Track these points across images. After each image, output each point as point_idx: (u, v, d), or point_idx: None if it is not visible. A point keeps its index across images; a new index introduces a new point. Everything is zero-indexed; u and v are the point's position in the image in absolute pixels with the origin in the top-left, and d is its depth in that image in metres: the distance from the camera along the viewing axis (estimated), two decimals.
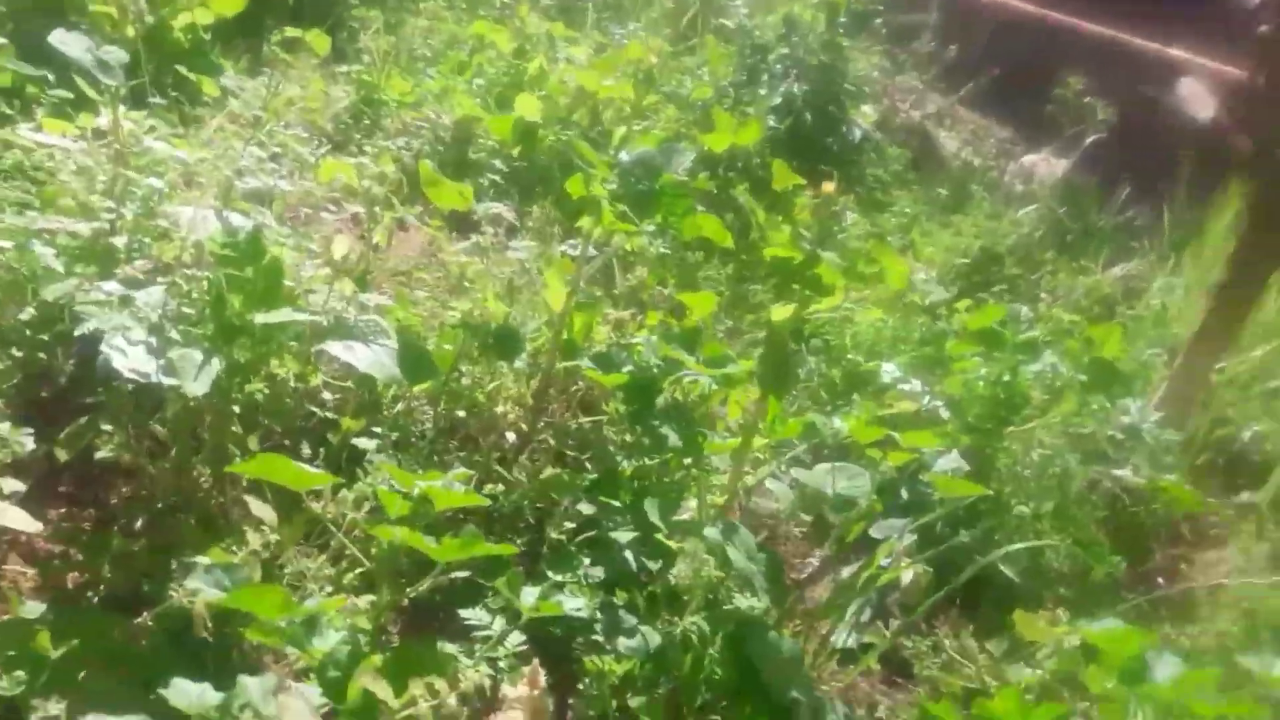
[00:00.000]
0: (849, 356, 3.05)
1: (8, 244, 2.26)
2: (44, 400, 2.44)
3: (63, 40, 2.33)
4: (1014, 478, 2.86)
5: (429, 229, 3.49)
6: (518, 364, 2.59)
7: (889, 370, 2.85)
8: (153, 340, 2.01)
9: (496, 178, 4.20)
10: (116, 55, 2.45)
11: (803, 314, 2.12)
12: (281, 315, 2.11)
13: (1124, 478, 2.98)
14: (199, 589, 1.47)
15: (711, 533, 1.90)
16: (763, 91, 5.47)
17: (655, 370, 2.39)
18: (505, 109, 4.69)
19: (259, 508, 1.86)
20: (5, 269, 2.21)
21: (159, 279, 2.20)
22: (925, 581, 2.13)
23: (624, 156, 2.59)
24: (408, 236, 3.66)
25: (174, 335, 2.05)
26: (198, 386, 1.96)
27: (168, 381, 1.88)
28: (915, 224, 4.97)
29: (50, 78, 3.22)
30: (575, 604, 1.81)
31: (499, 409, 2.64)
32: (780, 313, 2.10)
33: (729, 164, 4.57)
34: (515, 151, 4.59)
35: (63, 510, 2.38)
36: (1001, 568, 2.35)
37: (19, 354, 2.12)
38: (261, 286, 2.24)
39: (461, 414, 2.72)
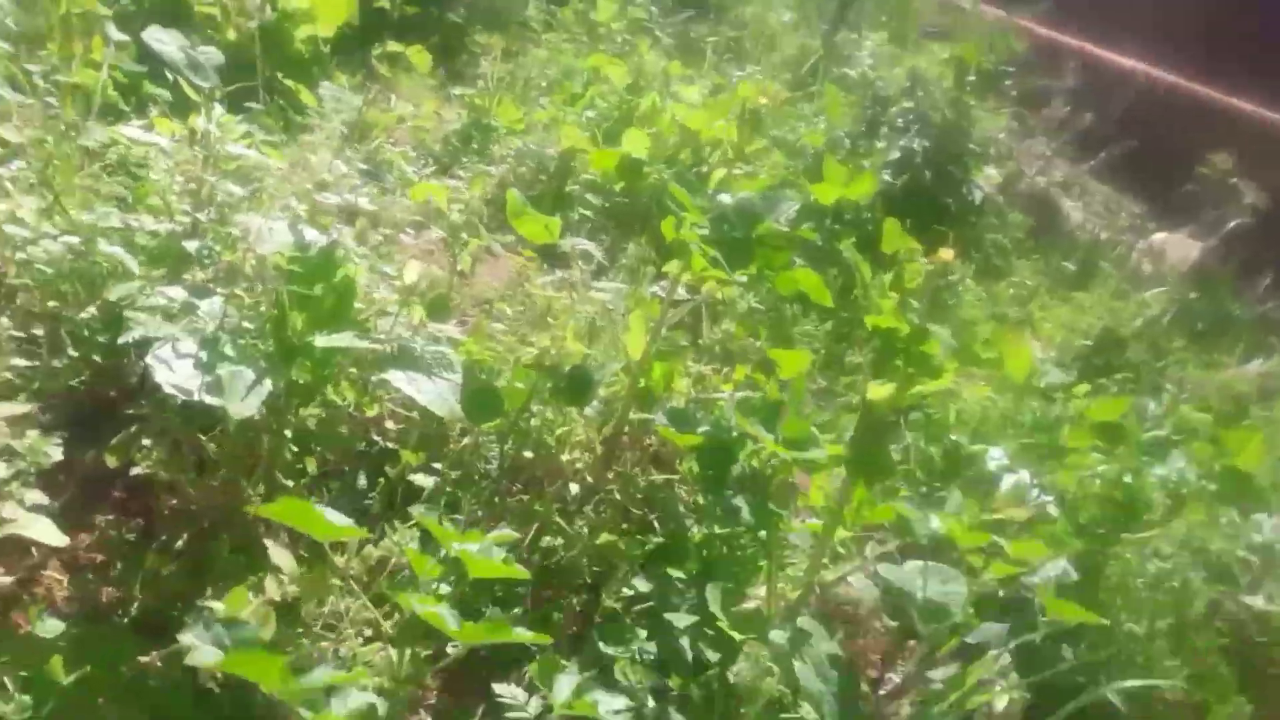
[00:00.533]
0: (951, 436, 2.79)
1: (75, 238, 2.20)
2: (110, 400, 2.37)
3: (157, 38, 2.28)
4: (1126, 590, 2.56)
5: (519, 258, 3.38)
6: (589, 410, 2.42)
7: (995, 456, 2.58)
8: (203, 354, 1.90)
9: (591, 213, 4.08)
10: (211, 57, 2.41)
11: (905, 395, 1.89)
12: (344, 339, 1.99)
13: (1253, 604, 2.64)
14: (195, 646, 1.33)
15: (778, 637, 1.68)
16: (881, 144, 5.25)
17: (733, 435, 2.19)
18: (612, 143, 4.58)
19: (278, 553, 1.72)
20: (82, 262, 2.15)
21: (221, 289, 2.11)
22: (1020, 707, 1.87)
23: (724, 200, 2.42)
24: (498, 264, 3.55)
25: (229, 350, 1.94)
26: (245, 407, 1.84)
27: (210, 400, 1.77)
28: (1035, 297, 4.66)
29: (168, 76, 3.22)
30: (616, 703, 1.61)
31: (566, 456, 2.48)
32: (878, 391, 1.88)
33: (837, 217, 4.36)
34: (618, 187, 4.47)
35: (110, 518, 2.29)
36: (1109, 695, 2.06)
37: (75, 353, 2.04)
38: (329, 306, 2.13)
39: (529, 454, 2.56)
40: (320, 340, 1.93)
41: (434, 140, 4.79)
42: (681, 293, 2.71)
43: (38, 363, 1.99)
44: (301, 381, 2.05)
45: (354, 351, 2.07)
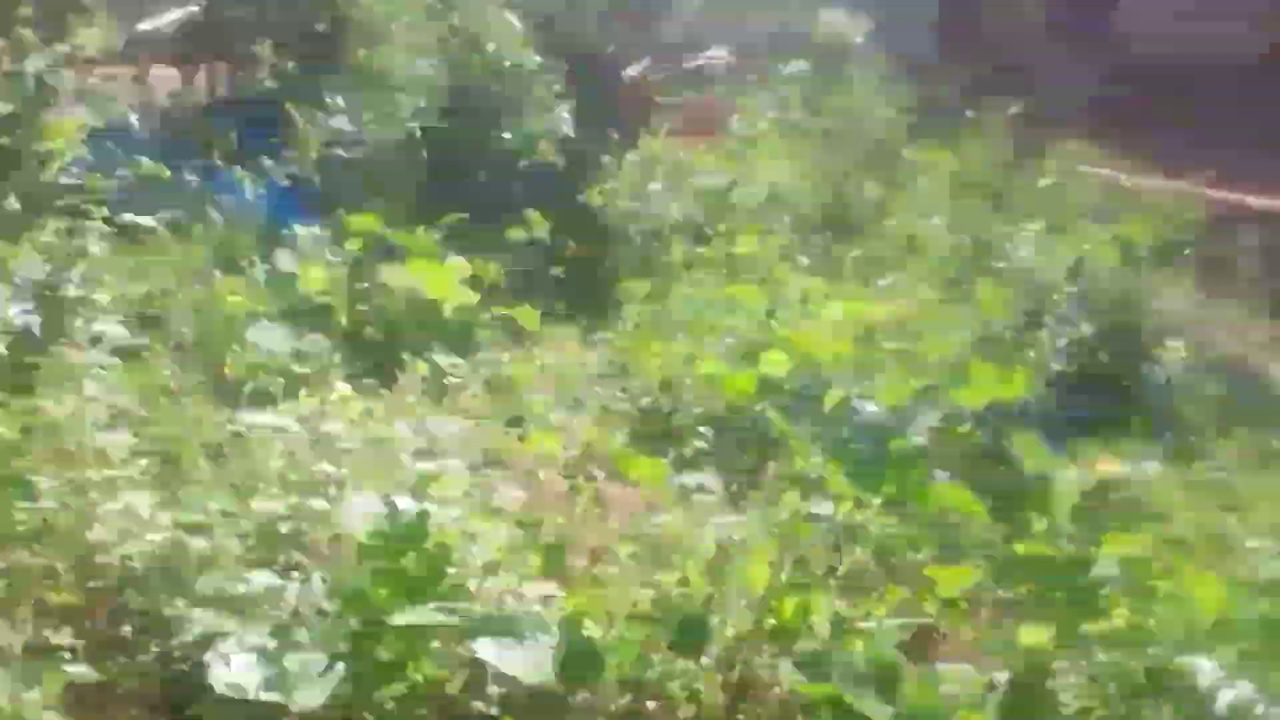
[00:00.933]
0: (1151, 648, 2.32)
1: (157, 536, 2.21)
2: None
3: (260, 335, 2.40)
4: None
5: (643, 496, 3.23)
6: (707, 659, 2.16)
7: (1205, 670, 2.11)
8: (271, 644, 1.82)
9: (708, 444, 3.93)
10: (317, 345, 2.54)
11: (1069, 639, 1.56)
12: (424, 614, 1.87)
13: None
14: None
15: None
16: (1044, 334, 4.92)
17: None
18: (750, 366, 4.49)
19: None
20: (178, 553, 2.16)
21: (296, 574, 2.07)
22: None
23: (859, 416, 2.25)
24: (623, 501, 3.42)
25: (301, 636, 1.85)
26: (309, 697, 1.73)
27: (267, 697, 1.66)
28: (1239, 476, 4.06)
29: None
30: None
31: (682, 712, 2.20)
32: (1032, 635, 1.56)
33: (1002, 414, 4.02)
34: (759, 408, 4.33)
35: None
36: None
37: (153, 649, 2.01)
38: (416, 577, 2.03)
39: (651, 705, 2.30)
40: (399, 618, 1.82)
41: (575, 384, 4.85)
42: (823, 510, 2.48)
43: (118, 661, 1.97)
44: (383, 661, 1.93)
45: (440, 623, 1.94)
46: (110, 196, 4.59)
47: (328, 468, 2.36)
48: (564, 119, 7.06)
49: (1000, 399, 3.30)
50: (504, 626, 2.02)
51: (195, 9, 7.36)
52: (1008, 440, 3.77)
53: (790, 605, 2.30)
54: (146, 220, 4.17)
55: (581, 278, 6.72)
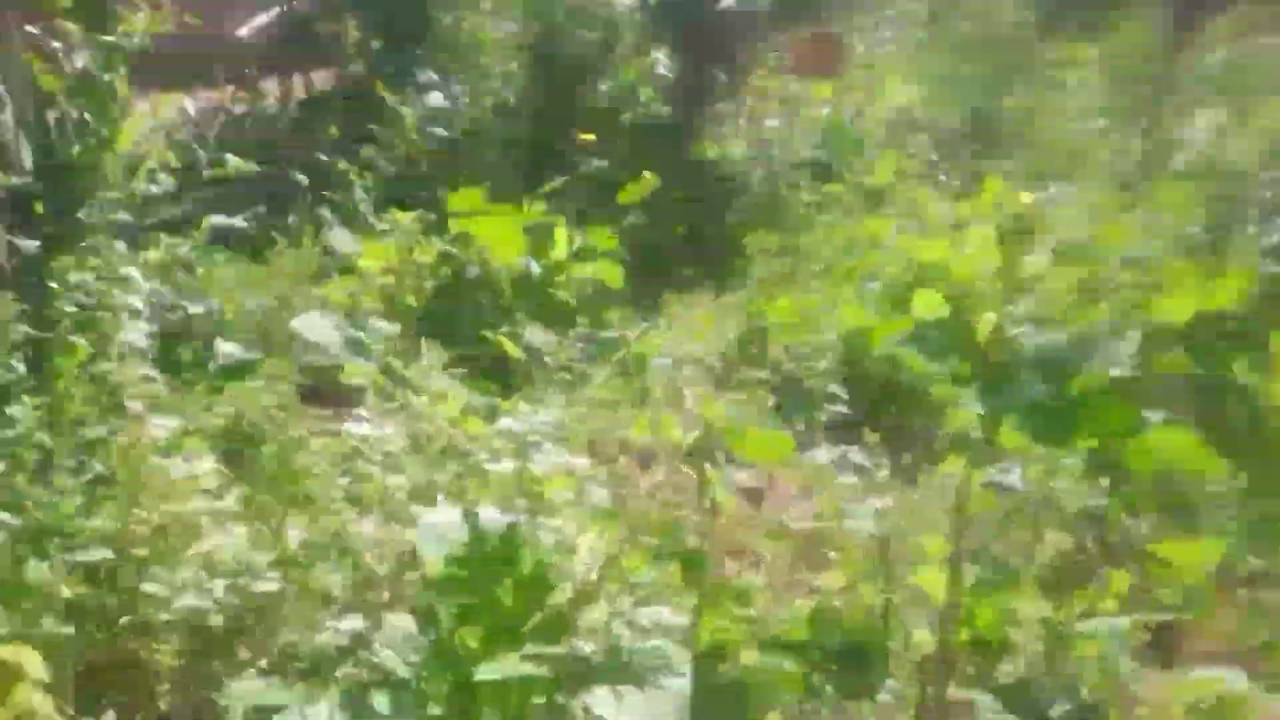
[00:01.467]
0: None
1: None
2: None
3: (306, 325, 2.05)
4: None
5: (785, 477, 2.76)
6: (885, 696, 1.68)
7: None
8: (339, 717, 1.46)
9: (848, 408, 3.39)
10: (376, 331, 2.19)
11: None
12: (513, 665, 1.47)
13: None
14: None
15: None
16: (1247, 232, 4.15)
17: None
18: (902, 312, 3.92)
19: None
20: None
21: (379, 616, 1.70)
22: None
23: (1033, 345, 1.72)
24: (763, 482, 2.94)
25: (381, 702, 1.49)
26: None
27: None
28: None
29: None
30: None
31: None
32: None
33: (1207, 334, 3.32)
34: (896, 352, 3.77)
35: None
36: None
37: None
38: (512, 609, 1.64)
39: None
40: (484, 672, 1.43)
41: (710, 355, 4.39)
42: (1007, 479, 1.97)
43: None
44: None
45: (534, 674, 1.54)
46: (207, 203, 4.39)
47: (398, 479, 2.00)
48: (661, 62, 6.51)
49: (1210, 312, 2.66)
50: (621, 669, 1.60)
51: (280, 9, 7.18)
52: (1229, 363, 3.09)
53: (985, 612, 1.80)
54: (241, 223, 3.93)
55: (703, 236, 6.22)
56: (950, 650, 1.73)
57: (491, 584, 1.52)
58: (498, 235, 3.79)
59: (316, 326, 2.13)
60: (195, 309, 3.47)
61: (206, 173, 4.27)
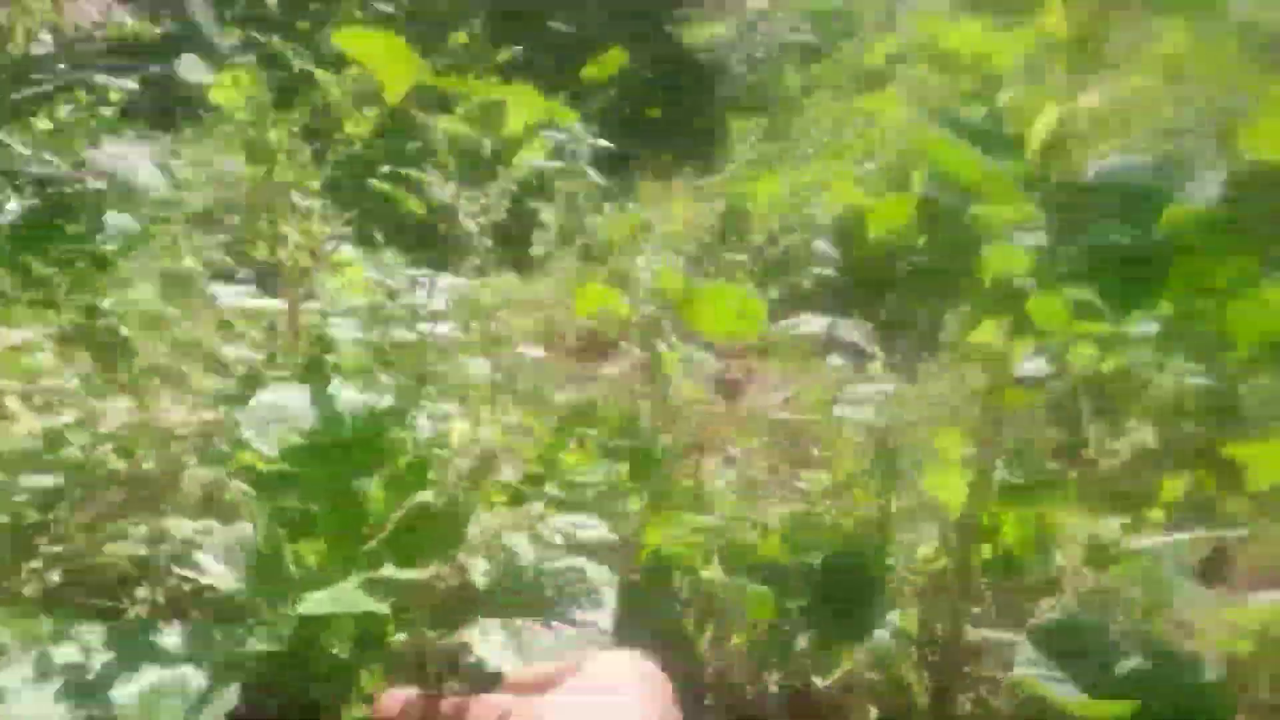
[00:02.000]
0: None
1: None
2: None
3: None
4: None
5: (775, 364, 2.33)
6: (883, 632, 1.27)
7: None
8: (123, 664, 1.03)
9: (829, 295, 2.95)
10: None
11: None
12: (349, 596, 1.04)
13: None
14: None
15: None
16: None
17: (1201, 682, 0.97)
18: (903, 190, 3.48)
19: None
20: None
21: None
22: None
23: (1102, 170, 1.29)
24: (742, 370, 2.52)
25: (170, 643, 1.05)
26: None
27: None
28: None
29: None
30: None
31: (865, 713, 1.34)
32: None
33: None
34: (920, 243, 3.34)
35: None
36: None
37: None
38: (376, 517, 1.20)
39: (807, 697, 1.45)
40: (310, 605, 0.99)
41: (686, 240, 3.94)
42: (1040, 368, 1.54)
43: None
44: (325, 671, 1.12)
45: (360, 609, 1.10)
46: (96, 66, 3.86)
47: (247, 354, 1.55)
48: None
49: None
50: (526, 600, 1.18)
51: None
52: None
53: (1014, 524, 1.39)
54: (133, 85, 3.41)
55: (679, 120, 5.70)
56: (968, 573, 1.32)
57: (340, 484, 1.08)
58: (387, 63, 3.25)
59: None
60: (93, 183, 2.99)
61: (99, 34, 3.73)
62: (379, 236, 2.49)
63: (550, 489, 1.79)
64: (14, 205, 2.48)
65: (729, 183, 4.25)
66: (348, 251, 2.29)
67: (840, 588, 1.24)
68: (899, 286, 3.01)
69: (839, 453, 1.62)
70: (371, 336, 1.59)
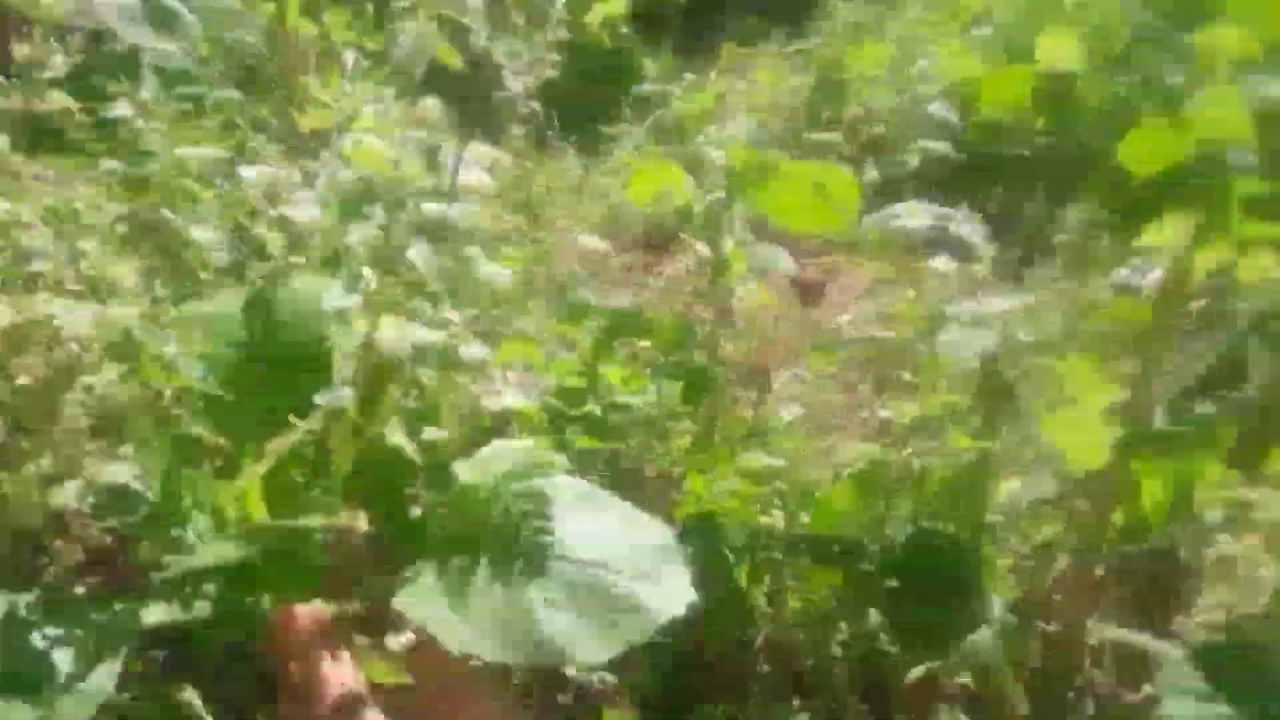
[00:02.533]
0: None
1: None
2: None
3: None
4: None
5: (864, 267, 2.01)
6: (983, 634, 0.98)
7: None
8: None
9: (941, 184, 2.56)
10: None
11: None
12: (221, 549, 0.82)
13: None
14: None
15: None
16: None
17: None
18: (1021, 61, 3.02)
19: None
20: None
21: None
22: None
23: None
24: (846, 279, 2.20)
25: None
26: None
27: None
28: None
29: None
30: None
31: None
32: None
33: None
34: (1038, 125, 2.92)
35: None
36: None
37: None
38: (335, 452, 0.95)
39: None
40: (202, 556, 0.78)
41: (770, 115, 3.55)
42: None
43: None
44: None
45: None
46: None
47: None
48: None
49: None
50: (487, 540, 0.92)
51: None
52: None
53: (1155, 492, 1.07)
54: None
55: None
56: (1098, 549, 1.02)
57: (270, 412, 0.83)
58: None
59: None
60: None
61: None
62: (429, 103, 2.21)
63: (591, 408, 1.54)
64: (60, 60, 2.29)
65: (823, 49, 3.81)
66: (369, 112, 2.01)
67: (929, 571, 0.96)
68: (1009, 176, 2.61)
69: (933, 381, 1.32)
70: (370, 222, 1.33)
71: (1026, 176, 2.57)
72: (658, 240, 2.60)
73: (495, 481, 0.87)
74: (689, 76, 3.24)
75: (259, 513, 0.84)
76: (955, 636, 0.89)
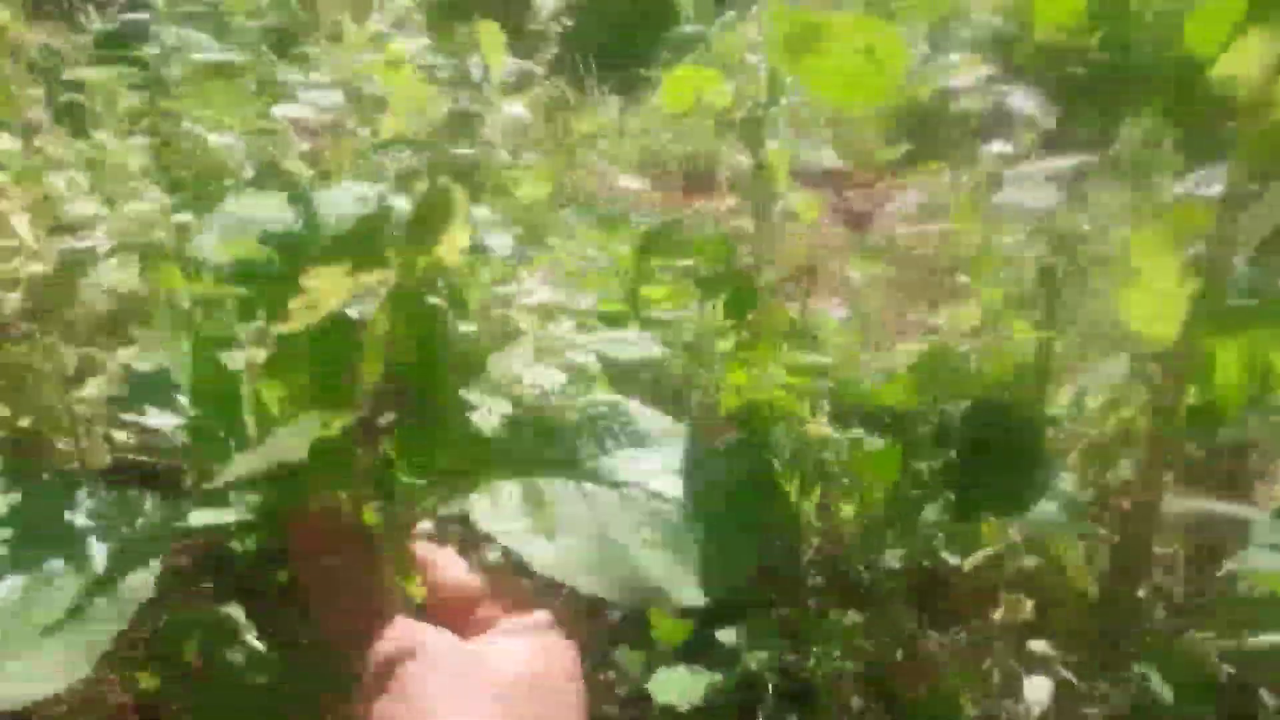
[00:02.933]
0: None
1: None
2: None
3: None
4: None
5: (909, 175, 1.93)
6: (1049, 504, 0.92)
7: None
8: None
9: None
10: None
11: None
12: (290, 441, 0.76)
13: None
14: None
15: None
16: None
17: None
18: None
19: None
20: None
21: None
22: None
23: None
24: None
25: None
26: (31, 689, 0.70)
27: None
28: None
29: None
30: None
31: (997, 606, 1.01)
32: None
33: None
34: (1094, 41, 2.81)
35: None
36: None
37: None
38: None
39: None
40: (240, 465, 0.72)
41: None
42: None
43: None
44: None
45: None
46: None
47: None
48: None
49: None
50: (542, 457, 0.87)
51: None
52: None
53: (1229, 366, 1.01)
54: None
55: None
56: (1173, 422, 0.96)
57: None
58: None
59: None
60: None
61: None
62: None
63: (631, 327, 1.50)
64: (97, 24, 2.29)
65: None
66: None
67: (990, 444, 0.90)
68: (1064, 98, 2.51)
69: (989, 275, 1.26)
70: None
71: (1082, 97, 2.47)
72: (696, 181, 2.54)
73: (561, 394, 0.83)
74: (729, 14, 3.16)
75: (302, 409, 0.80)
76: (1019, 506, 0.83)
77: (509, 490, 0.78)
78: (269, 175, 1.13)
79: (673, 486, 0.79)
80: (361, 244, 0.91)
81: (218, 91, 1.57)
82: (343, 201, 0.97)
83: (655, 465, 0.81)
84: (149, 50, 1.72)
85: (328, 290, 0.78)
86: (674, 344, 1.47)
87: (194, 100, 1.51)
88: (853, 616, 1.23)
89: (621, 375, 1.43)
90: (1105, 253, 1.11)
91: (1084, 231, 1.08)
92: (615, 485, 0.79)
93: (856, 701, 1.18)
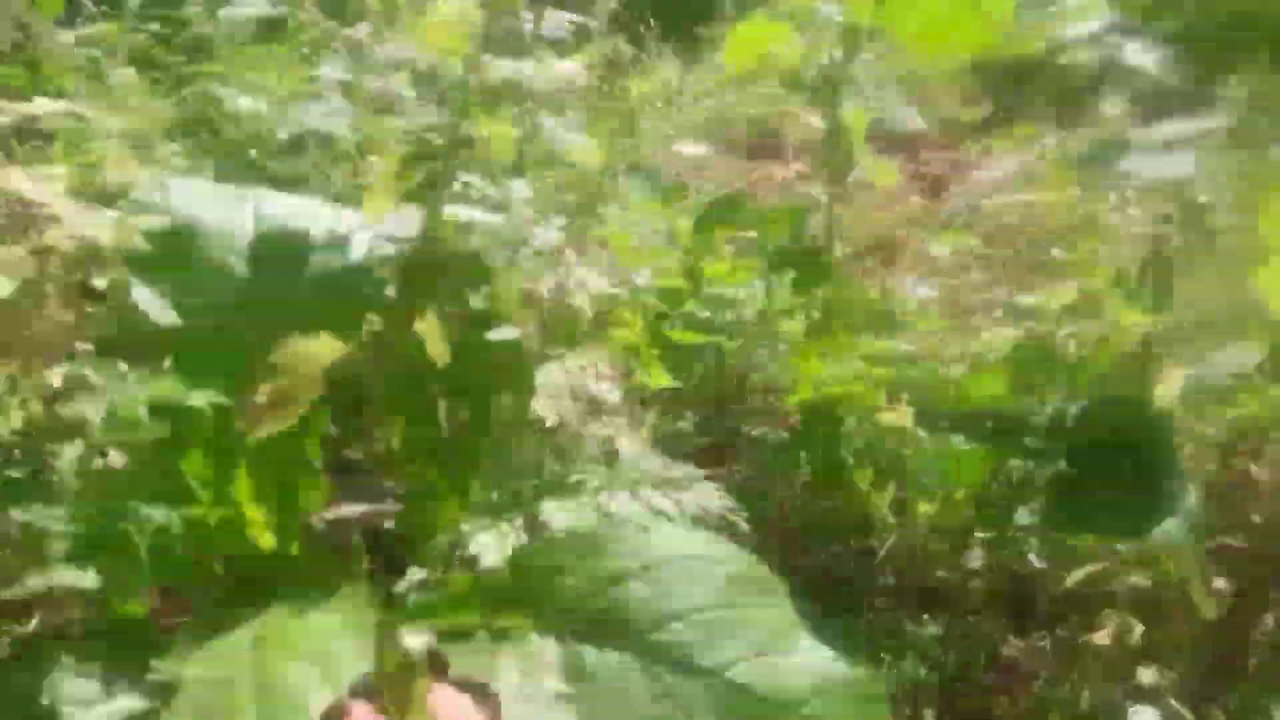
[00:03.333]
0: None
1: None
2: None
3: None
4: None
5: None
6: (1175, 522, 0.80)
7: None
8: None
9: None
10: None
11: None
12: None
13: None
14: None
15: None
16: None
17: None
18: None
19: None
20: None
21: None
22: None
23: None
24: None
25: None
26: None
27: None
28: None
29: None
30: None
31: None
32: None
33: None
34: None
35: None
36: None
37: None
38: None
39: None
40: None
41: None
42: None
43: None
44: None
45: None
46: None
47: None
48: None
49: None
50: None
51: None
52: None
53: None
54: None
55: None
56: None
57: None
58: None
59: None
60: None
61: None
62: None
63: (691, 307, 1.39)
64: None
65: None
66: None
67: (1108, 448, 0.78)
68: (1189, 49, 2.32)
69: (1091, 254, 1.12)
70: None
71: (1219, 51, 2.27)
72: (762, 147, 2.41)
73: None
74: None
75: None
76: (1144, 522, 0.71)
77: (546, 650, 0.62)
78: (295, 148, 1.05)
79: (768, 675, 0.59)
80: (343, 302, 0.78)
81: (261, 54, 1.49)
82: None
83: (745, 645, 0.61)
84: (190, 8, 1.64)
85: (305, 367, 0.66)
86: (735, 325, 1.36)
87: (237, 63, 1.43)
88: (928, 623, 1.13)
89: (675, 358, 1.32)
90: (1230, 225, 0.98)
91: (1210, 203, 0.95)
92: (692, 672, 0.59)
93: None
